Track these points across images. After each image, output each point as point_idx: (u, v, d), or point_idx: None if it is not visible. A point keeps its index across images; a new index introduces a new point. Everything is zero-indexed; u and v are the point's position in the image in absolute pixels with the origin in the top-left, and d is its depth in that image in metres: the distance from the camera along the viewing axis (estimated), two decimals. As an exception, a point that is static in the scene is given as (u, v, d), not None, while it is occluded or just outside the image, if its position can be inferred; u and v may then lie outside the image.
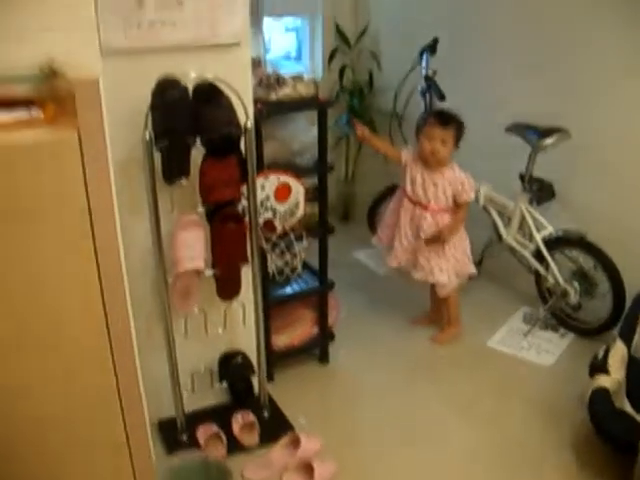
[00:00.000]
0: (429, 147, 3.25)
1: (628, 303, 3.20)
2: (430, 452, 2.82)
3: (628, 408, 2.78)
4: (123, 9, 2.23)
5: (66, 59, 1.74)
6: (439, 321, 3.72)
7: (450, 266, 3.42)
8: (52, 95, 1.67)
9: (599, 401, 2.66)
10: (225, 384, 2.92)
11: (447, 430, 2.95)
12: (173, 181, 2.38)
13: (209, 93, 2.32)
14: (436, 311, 3.74)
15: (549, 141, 3.40)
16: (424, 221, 3.33)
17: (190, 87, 2.30)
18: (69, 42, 1.93)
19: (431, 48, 3.90)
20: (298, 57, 4.96)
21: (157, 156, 2.33)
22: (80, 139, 1.42)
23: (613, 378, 2.77)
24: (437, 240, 3.32)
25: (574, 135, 3.38)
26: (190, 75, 2.28)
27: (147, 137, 2.26)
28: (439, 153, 3.25)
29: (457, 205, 3.35)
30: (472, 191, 3.34)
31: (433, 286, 3.56)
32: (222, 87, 2.34)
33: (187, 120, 2.29)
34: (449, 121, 3.27)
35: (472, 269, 3.54)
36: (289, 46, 4.98)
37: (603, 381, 2.74)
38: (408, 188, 3.37)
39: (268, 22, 4.56)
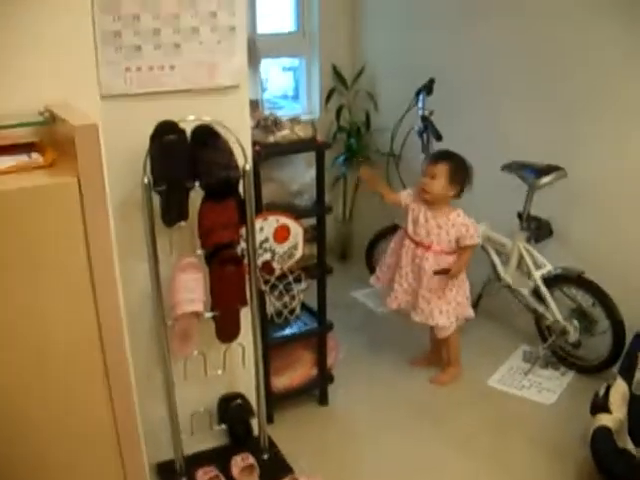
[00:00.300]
0: (421, 183, 3.31)
1: (628, 340, 3.19)
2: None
3: (630, 446, 2.77)
4: (122, 54, 2.26)
5: (65, 104, 1.76)
6: (438, 362, 3.70)
7: (451, 308, 3.40)
8: (51, 140, 1.69)
9: (601, 440, 2.65)
10: (224, 426, 2.90)
11: (447, 470, 2.93)
12: (172, 224, 2.39)
13: (207, 136, 2.34)
14: (435, 352, 3.72)
15: (546, 180, 3.41)
16: (426, 262, 3.32)
17: (188, 130, 2.32)
18: (69, 87, 1.95)
19: (427, 88, 3.93)
20: (295, 96, 5.01)
21: (156, 199, 2.34)
22: (80, 183, 1.43)
23: (615, 417, 2.76)
24: (445, 273, 3.30)
25: (571, 173, 3.40)
26: (188, 118, 2.30)
27: (146, 181, 2.27)
28: (427, 187, 3.28)
29: (461, 248, 3.34)
30: (477, 235, 3.35)
31: (432, 327, 3.54)
32: (220, 130, 2.36)
33: (185, 164, 2.30)
34: (440, 157, 3.33)
35: (471, 312, 3.53)
36: (286, 85, 5.02)
37: (605, 420, 2.73)
38: (410, 229, 3.37)
39: (265, 62, 4.60)
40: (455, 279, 3.36)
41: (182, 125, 2.28)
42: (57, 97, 1.84)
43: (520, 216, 3.61)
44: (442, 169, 3.27)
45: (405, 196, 3.45)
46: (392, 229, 4.25)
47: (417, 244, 3.36)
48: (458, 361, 3.64)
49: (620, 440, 2.71)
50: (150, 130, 2.26)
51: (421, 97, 3.94)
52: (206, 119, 2.33)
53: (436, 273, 3.30)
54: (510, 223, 3.65)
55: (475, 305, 3.88)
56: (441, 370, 3.65)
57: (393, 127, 4.30)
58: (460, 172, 3.30)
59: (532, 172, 3.46)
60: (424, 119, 3.89)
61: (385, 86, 4.74)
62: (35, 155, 1.62)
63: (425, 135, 3.94)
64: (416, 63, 4.31)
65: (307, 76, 4.89)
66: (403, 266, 3.41)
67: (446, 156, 3.33)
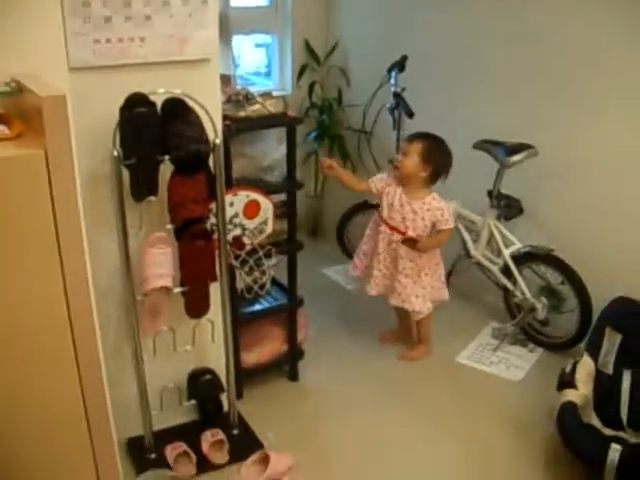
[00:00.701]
0: (396, 159, 3.33)
1: (595, 318, 3.23)
2: (399, 467, 2.82)
3: (595, 422, 2.81)
4: (91, 25, 2.22)
5: (33, 75, 1.73)
6: (406, 338, 3.72)
7: (427, 293, 3.41)
8: (18, 111, 1.66)
9: (567, 415, 2.68)
10: (194, 402, 2.89)
11: (416, 445, 2.95)
12: (141, 198, 2.37)
13: (178, 109, 2.32)
14: (403, 328, 3.75)
15: (517, 158, 3.43)
16: (401, 248, 3.32)
17: (159, 103, 2.29)
18: (36, 59, 1.92)
19: (400, 65, 3.92)
20: (268, 73, 4.97)
21: (125, 173, 2.31)
22: (47, 155, 1.41)
23: (581, 392, 2.80)
24: (413, 243, 3.28)
25: (541, 152, 3.41)
26: (158, 91, 2.27)
27: (115, 154, 2.24)
28: (400, 163, 3.29)
29: (437, 232, 3.33)
30: (452, 219, 3.33)
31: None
32: (191, 103, 2.34)
33: (155, 137, 2.28)
34: (417, 136, 3.31)
35: (446, 295, 3.54)
36: (259, 62, 4.98)
37: (571, 395, 2.76)
38: (385, 213, 3.36)
39: (238, 38, 4.56)
40: (429, 263, 3.38)
41: (152, 98, 2.26)
42: (24, 69, 1.81)
43: (490, 194, 3.62)
44: (416, 147, 3.25)
45: (377, 181, 3.43)
46: (363, 206, 4.26)
47: (392, 229, 3.35)
48: (428, 339, 3.66)
49: (585, 415, 2.75)
50: (120, 103, 2.24)
51: (393, 74, 3.93)
52: (176, 92, 2.30)
53: (404, 242, 3.30)
54: (481, 201, 3.67)
55: (446, 279, 3.90)
56: (410, 347, 3.67)
57: (365, 104, 4.29)
58: (435, 154, 3.26)
59: (503, 150, 3.47)
60: (396, 96, 3.87)
61: (358, 62, 4.72)
62: (1, 127, 1.59)
63: (397, 112, 3.92)
64: (389, 40, 4.31)
65: (279, 52, 4.85)
66: (380, 252, 3.40)
67: (424, 136, 3.31)
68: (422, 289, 3.40)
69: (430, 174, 3.27)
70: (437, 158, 3.26)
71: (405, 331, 3.74)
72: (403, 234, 3.30)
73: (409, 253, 3.32)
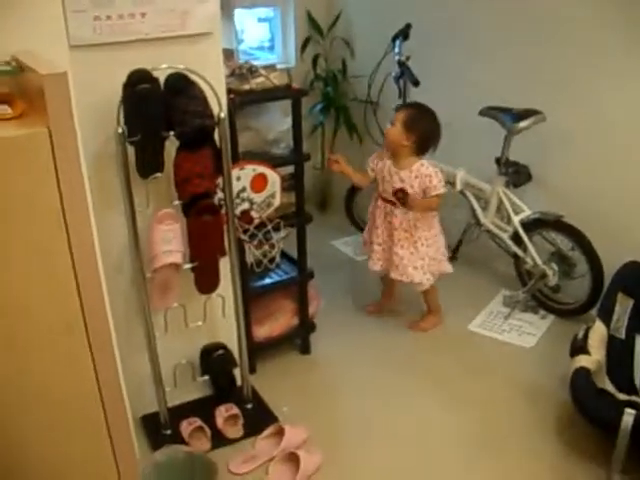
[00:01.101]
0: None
1: (606, 283, 3.21)
2: (414, 437, 2.83)
3: (609, 387, 2.81)
4: (91, 2, 2.19)
5: (33, 54, 1.72)
6: (391, 307, 3.74)
7: (425, 264, 3.39)
8: (20, 90, 1.64)
9: (580, 381, 2.68)
10: (207, 377, 2.90)
11: (431, 415, 2.96)
12: (147, 175, 2.37)
13: (181, 84, 2.30)
14: (386, 299, 3.77)
15: (524, 124, 3.40)
16: (394, 218, 3.32)
17: (162, 79, 2.28)
18: (36, 37, 1.90)
19: (404, 34, 3.89)
20: (271, 47, 4.94)
21: (130, 151, 2.30)
22: (50, 133, 1.40)
23: (593, 358, 2.80)
24: (404, 199, 3.25)
25: (549, 118, 3.38)
26: (161, 67, 2.26)
27: (120, 131, 2.23)
28: (386, 131, 3.33)
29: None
30: (441, 184, 3.26)
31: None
32: (194, 78, 2.32)
33: (160, 113, 2.27)
34: (404, 105, 3.39)
35: (447, 268, 3.50)
36: (262, 36, 4.95)
37: (584, 361, 2.76)
38: (380, 188, 3.37)
39: (241, 13, 4.54)
40: (426, 234, 3.36)
41: (155, 74, 2.24)
42: (24, 48, 1.79)
43: (498, 161, 3.60)
44: (400, 115, 3.24)
45: (371, 162, 3.43)
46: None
47: (386, 202, 3.35)
48: (438, 309, 3.66)
49: (599, 381, 2.75)
50: (123, 80, 2.22)
51: (397, 43, 3.90)
52: (179, 67, 2.29)
53: (394, 194, 3.28)
54: (489, 168, 3.65)
55: (455, 250, 3.90)
56: (421, 317, 3.67)
57: (370, 74, 4.26)
58: (418, 123, 3.22)
59: (510, 116, 3.44)
60: (401, 65, 3.85)
61: (361, 33, 4.69)
62: (3, 106, 1.58)
63: (402, 81, 3.90)
64: (392, 8, 4.26)
65: (282, 25, 4.82)
66: (378, 226, 3.41)
67: (409, 105, 3.36)
68: (420, 260, 3.37)
69: (414, 143, 3.23)
70: (420, 127, 3.23)
71: (389, 299, 3.76)
72: (394, 205, 3.31)
73: (403, 223, 3.32)
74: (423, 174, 3.24)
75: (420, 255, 3.37)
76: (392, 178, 3.28)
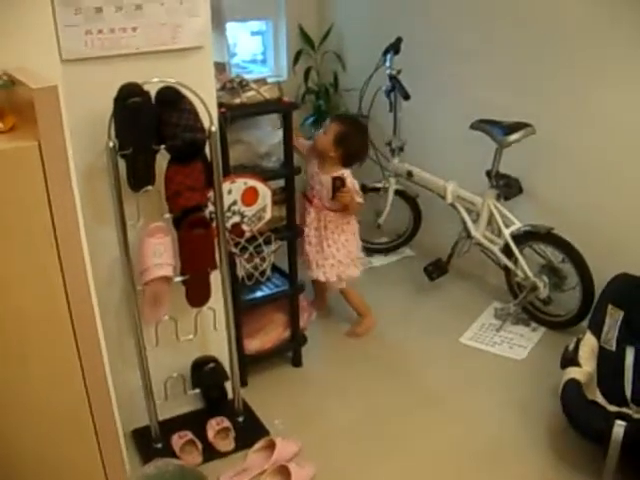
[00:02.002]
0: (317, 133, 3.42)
1: (597, 295, 3.23)
2: (406, 450, 2.82)
3: (599, 398, 2.81)
4: (82, 16, 2.20)
5: (24, 68, 1.72)
6: (322, 308, 3.79)
7: (327, 264, 3.45)
8: (11, 104, 1.65)
9: (571, 393, 2.69)
10: (198, 390, 2.90)
11: (422, 427, 2.96)
12: (139, 189, 2.37)
13: (172, 98, 2.30)
14: (318, 300, 3.82)
15: (514, 137, 3.41)
16: (307, 215, 3.40)
17: (153, 93, 2.28)
18: (27, 51, 1.91)
19: (395, 47, 3.92)
20: (264, 60, 4.96)
21: (122, 164, 2.31)
22: (40, 147, 1.41)
23: (584, 370, 2.80)
24: (339, 185, 3.30)
25: (539, 130, 3.40)
26: (152, 80, 2.26)
27: (111, 145, 2.24)
28: (317, 137, 3.40)
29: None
30: (360, 197, 3.41)
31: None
32: (185, 92, 2.33)
33: (151, 126, 2.27)
34: (340, 118, 3.49)
35: (355, 272, 3.56)
36: (255, 49, 4.97)
37: (575, 373, 2.77)
38: (308, 181, 3.48)
39: (234, 26, 4.55)
40: (334, 237, 3.43)
41: (146, 87, 2.25)
42: (16, 62, 1.80)
43: (489, 174, 3.61)
44: (334, 128, 3.34)
45: (307, 145, 3.51)
46: (361, 190, 4.25)
47: (305, 197, 3.45)
48: (367, 311, 3.72)
49: (589, 393, 2.75)
50: (114, 93, 2.22)
51: (389, 56, 3.93)
52: (170, 81, 2.29)
53: (333, 180, 3.31)
54: (480, 181, 3.66)
55: (447, 263, 3.91)
56: (356, 323, 3.71)
57: (361, 87, 4.27)
58: (348, 140, 3.34)
59: (500, 129, 3.45)
60: (392, 78, 3.88)
61: (353, 46, 4.71)
62: (-6, 120, 1.59)
63: (393, 94, 3.93)
64: (383, 22, 4.29)
65: (274, 39, 4.84)
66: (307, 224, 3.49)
67: (346, 120, 3.44)
68: (323, 260, 3.45)
69: (341, 156, 3.34)
70: (349, 144, 3.34)
71: (320, 301, 3.81)
72: (311, 202, 3.40)
73: (314, 222, 3.41)
74: (349, 182, 3.33)
75: (324, 255, 3.44)
76: (313, 179, 3.39)
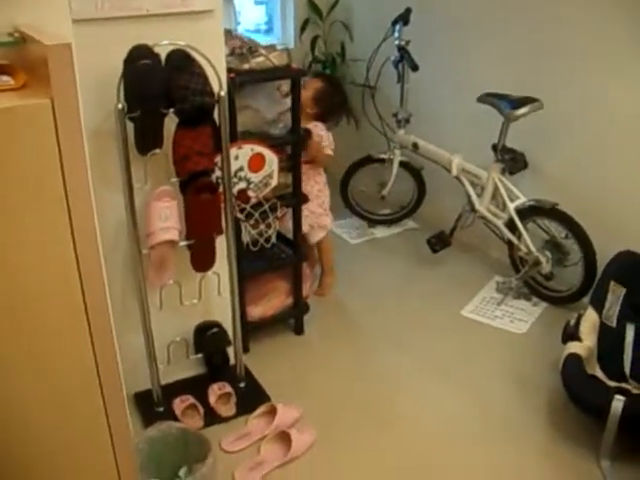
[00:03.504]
0: None
1: (599, 272, 3.23)
2: (405, 419, 2.85)
3: (599, 374, 2.83)
4: (93, -24, 2.19)
5: (36, 26, 1.71)
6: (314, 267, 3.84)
7: (303, 215, 3.41)
8: (23, 62, 1.63)
9: (571, 367, 2.70)
10: (201, 355, 2.91)
11: (423, 399, 2.97)
12: (146, 152, 2.37)
13: (182, 61, 2.29)
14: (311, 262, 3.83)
15: (522, 111, 3.39)
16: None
17: (163, 55, 2.27)
18: (38, 11, 1.89)
19: (404, 18, 3.89)
20: (269, 30, 4.93)
21: (130, 127, 2.30)
22: (53, 105, 1.39)
23: (585, 345, 2.82)
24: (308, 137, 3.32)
25: (547, 105, 3.38)
26: (162, 43, 2.25)
27: (119, 107, 2.23)
28: None
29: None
30: (330, 148, 3.48)
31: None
32: (195, 55, 2.31)
33: (160, 89, 2.26)
34: (321, 76, 3.57)
35: (327, 221, 3.65)
36: (259, 19, 4.93)
37: (575, 348, 2.78)
38: None
39: (238, -6, 4.53)
40: (307, 188, 3.45)
41: (156, 50, 2.23)
42: (26, 21, 1.78)
43: (495, 148, 3.60)
44: (314, 84, 3.42)
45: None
46: (366, 160, 4.25)
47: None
48: (331, 271, 3.79)
49: (589, 367, 2.77)
50: (123, 55, 2.21)
51: (397, 27, 3.90)
52: (181, 44, 2.28)
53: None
54: (485, 155, 3.65)
55: (450, 236, 3.91)
56: (319, 284, 3.78)
57: (369, 57, 4.25)
58: (327, 99, 3.44)
59: (508, 103, 3.44)
60: (400, 49, 3.86)
61: (360, 16, 4.68)
62: (5, 77, 1.57)
63: (401, 65, 3.92)
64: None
65: (282, 7, 4.81)
66: None
67: (327, 79, 3.49)
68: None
69: (317, 114, 3.43)
70: (328, 104, 3.45)
71: (312, 261, 3.83)
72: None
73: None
74: (315, 134, 3.36)
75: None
76: None
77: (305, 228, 3.49)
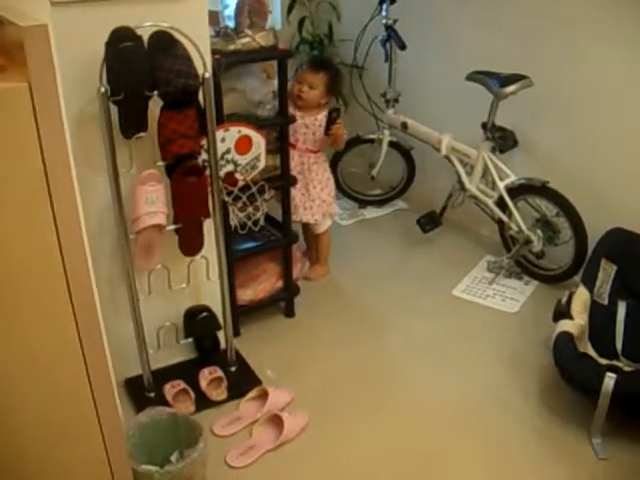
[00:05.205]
0: (297, 89, 3.36)
1: (590, 250, 3.23)
2: (397, 400, 2.84)
3: (591, 351, 2.83)
4: (73, -43, 2.15)
5: (12, 8, 1.68)
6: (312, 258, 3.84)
7: (315, 205, 3.50)
8: (0, 45, 1.61)
9: (563, 345, 2.70)
10: (191, 340, 2.90)
11: (415, 379, 2.97)
12: (131, 135, 2.33)
13: (165, 43, 2.26)
14: (309, 249, 3.86)
15: (511, 89, 3.37)
16: (291, 160, 3.34)
17: (145, 37, 2.24)
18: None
19: (391, -4, 3.86)
20: (256, 10, 4.87)
21: (114, 111, 2.27)
22: (31, 88, 1.37)
23: (576, 323, 2.81)
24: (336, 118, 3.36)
25: (536, 83, 3.36)
26: (145, 24, 2.22)
27: (102, 90, 2.20)
28: (303, 94, 3.35)
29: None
30: (345, 134, 3.50)
31: (305, 226, 3.68)
32: (179, 37, 2.28)
33: (143, 72, 2.22)
34: (320, 67, 3.39)
35: (335, 209, 3.69)
36: None
37: (567, 326, 2.78)
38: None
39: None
40: (318, 177, 3.49)
41: (139, 32, 2.20)
42: (3, 4, 1.75)
43: (484, 126, 3.58)
44: (322, 79, 3.36)
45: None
46: (356, 141, 4.23)
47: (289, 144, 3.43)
48: (326, 260, 3.77)
49: (581, 345, 2.77)
50: (105, 38, 2.18)
51: (384, 6, 3.88)
52: (164, 25, 2.24)
53: (330, 112, 3.36)
54: (475, 133, 3.63)
55: (440, 216, 3.90)
56: (312, 268, 3.77)
57: (356, 37, 4.22)
58: (337, 81, 3.46)
59: (497, 81, 3.41)
60: (388, 28, 3.83)
61: (348, -5, 4.64)
62: (-18, 61, 1.55)
63: (389, 44, 3.89)
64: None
65: (268, -13, 4.76)
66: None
67: (326, 65, 3.44)
68: (311, 201, 3.50)
69: (328, 101, 3.44)
70: (337, 85, 3.49)
71: (312, 252, 3.84)
72: (294, 147, 3.39)
73: (297, 167, 3.42)
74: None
75: (311, 197, 3.49)
76: (295, 123, 3.28)
77: (318, 218, 3.53)
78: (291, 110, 3.25)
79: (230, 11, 4.53)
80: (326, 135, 3.36)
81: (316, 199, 3.49)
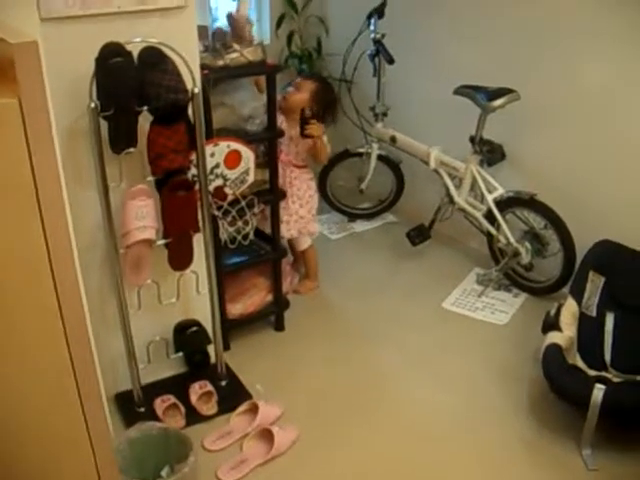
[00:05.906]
0: (286, 92, 3.43)
1: (578, 262, 3.24)
2: (387, 413, 2.84)
3: (580, 363, 2.84)
4: (62, -27, 2.16)
5: (2, 24, 1.69)
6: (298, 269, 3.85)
7: (292, 220, 3.50)
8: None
9: (552, 357, 2.71)
10: (181, 354, 2.90)
11: (405, 392, 2.97)
12: (121, 150, 2.34)
13: (155, 58, 2.27)
14: (299, 262, 3.87)
15: (498, 102, 3.39)
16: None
17: (135, 53, 2.25)
18: (5, 9, 1.86)
19: (379, 11, 3.88)
20: (245, 25, 4.89)
21: (104, 126, 2.27)
22: (21, 104, 1.38)
23: (565, 335, 2.83)
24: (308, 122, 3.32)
25: (524, 96, 3.38)
26: (135, 40, 2.23)
27: (92, 106, 2.21)
28: (288, 95, 3.41)
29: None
30: (329, 148, 3.50)
31: (289, 240, 3.66)
32: (168, 52, 2.29)
33: (133, 87, 2.23)
34: (312, 76, 3.54)
35: (314, 228, 3.64)
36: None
37: (556, 338, 2.80)
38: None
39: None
40: (299, 193, 3.50)
41: (128, 47, 2.21)
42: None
43: (472, 140, 3.61)
44: (310, 85, 3.40)
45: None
46: (344, 154, 4.25)
47: None
48: (315, 275, 3.77)
49: (570, 357, 2.78)
50: (95, 54, 2.18)
51: (373, 20, 3.90)
52: (153, 41, 2.26)
53: (302, 111, 3.32)
54: (463, 147, 3.65)
55: (429, 229, 3.91)
56: (300, 282, 3.77)
57: (345, 52, 4.24)
58: (323, 97, 3.43)
59: (484, 95, 3.44)
60: (376, 42, 3.85)
61: (336, 10, 4.67)
62: (-28, 78, 1.55)
63: (377, 59, 3.91)
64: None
65: (257, 2, 4.78)
66: None
67: (320, 79, 3.49)
68: (288, 216, 3.49)
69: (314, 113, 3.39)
70: (323, 102, 3.41)
71: (299, 265, 3.85)
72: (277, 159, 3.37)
73: (281, 177, 3.35)
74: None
75: (289, 212, 3.49)
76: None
77: (294, 233, 3.52)
78: (279, 122, 3.26)
79: (220, 25, 4.56)
80: (302, 136, 3.32)
81: (293, 214, 3.49)
